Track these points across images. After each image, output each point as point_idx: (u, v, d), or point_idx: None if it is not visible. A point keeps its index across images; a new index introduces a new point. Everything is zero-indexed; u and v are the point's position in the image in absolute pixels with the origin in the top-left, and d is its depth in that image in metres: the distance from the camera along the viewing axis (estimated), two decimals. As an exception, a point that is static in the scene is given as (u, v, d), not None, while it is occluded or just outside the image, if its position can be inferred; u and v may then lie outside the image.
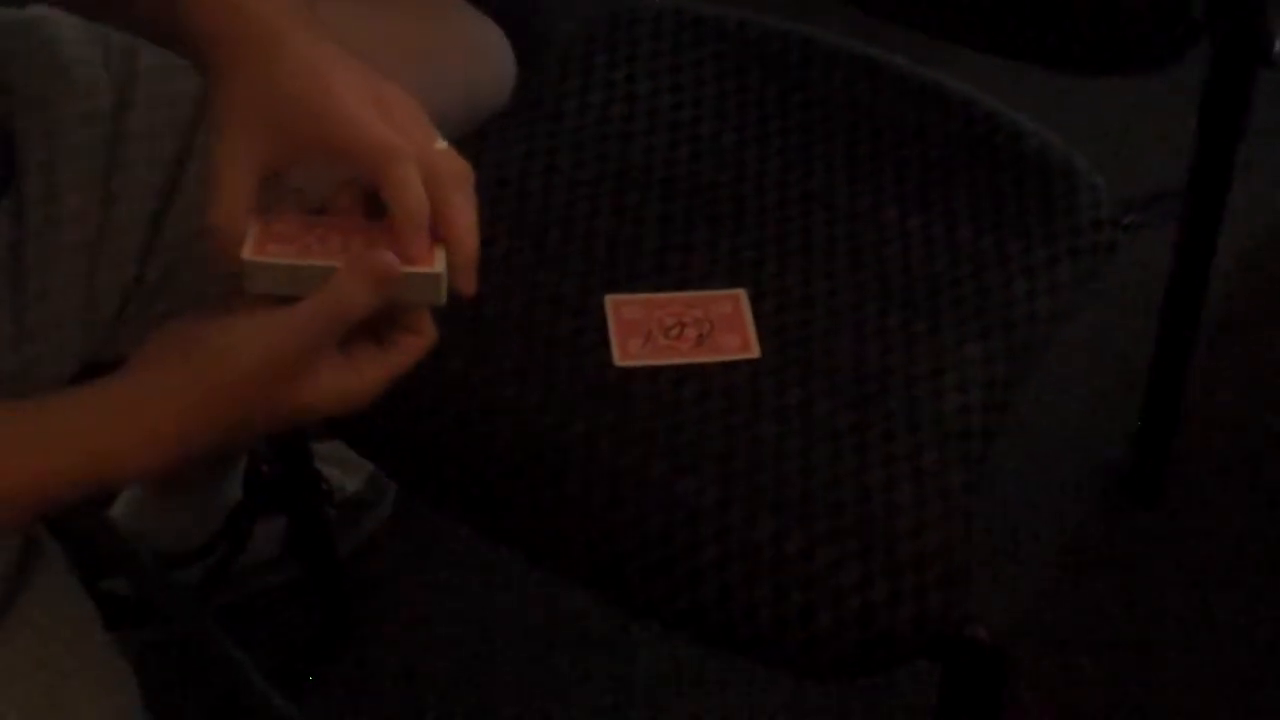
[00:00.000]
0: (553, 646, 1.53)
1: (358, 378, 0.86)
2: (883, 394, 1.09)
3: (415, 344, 0.87)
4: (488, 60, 1.31)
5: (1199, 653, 1.49)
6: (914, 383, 1.09)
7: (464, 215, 0.87)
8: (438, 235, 0.86)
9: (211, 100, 0.88)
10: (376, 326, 0.86)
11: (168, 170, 1.09)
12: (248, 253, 0.85)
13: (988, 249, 1.17)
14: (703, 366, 1.10)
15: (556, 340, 1.12)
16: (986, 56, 1.26)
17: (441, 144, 0.89)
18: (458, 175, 0.88)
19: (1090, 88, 1.81)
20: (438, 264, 0.86)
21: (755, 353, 1.12)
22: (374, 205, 0.88)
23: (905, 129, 1.26)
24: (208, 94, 0.89)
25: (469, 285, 0.87)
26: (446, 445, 1.11)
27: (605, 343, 1.11)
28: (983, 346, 1.11)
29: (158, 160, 1.09)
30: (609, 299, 1.15)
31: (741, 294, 1.16)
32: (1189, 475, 1.61)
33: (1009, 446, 1.11)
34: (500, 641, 1.53)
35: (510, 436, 1.08)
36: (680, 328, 1.13)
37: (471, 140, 1.22)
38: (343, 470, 1.55)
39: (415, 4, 1.29)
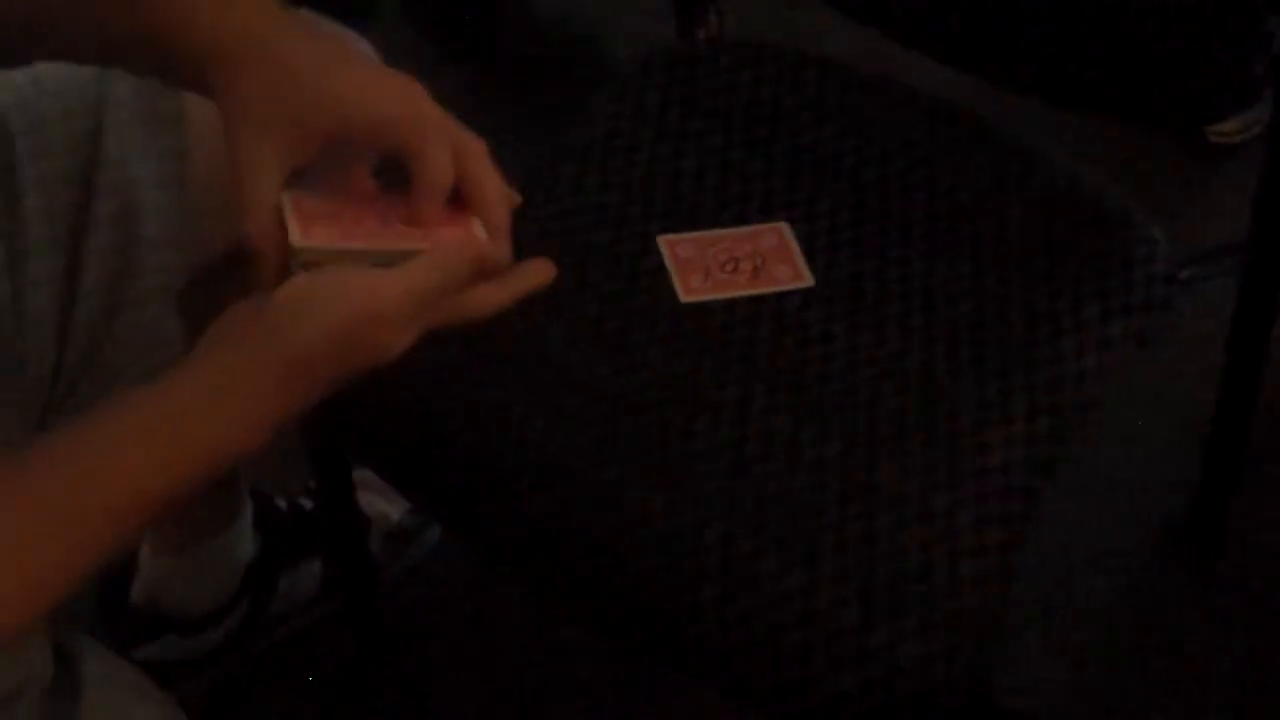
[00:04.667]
0: (598, 680, 1.51)
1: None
2: (923, 448, 1.06)
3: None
4: None
5: (1263, 714, 1.45)
6: (955, 437, 1.07)
7: (493, 182, 0.91)
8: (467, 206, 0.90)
9: (224, 116, 0.87)
10: None
11: (67, 250, 1.07)
12: (296, 239, 0.86)
13: (1038, 302, 1.14)
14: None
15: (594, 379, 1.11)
16: (1046, 106, 1.23)
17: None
18: (478, 147, 0.91)
19: (1153, 138, 1.79)
20: (478, 231, 0.90)
21: (808, 281, 1.16)
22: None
23: (961, 175, 1.24)
24: (220, 109, 0.88)
25: (506, 251, 0.90)
26: (484, 484, 1.10)
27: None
28: (1028, 402, 1.09)
29: (57, 241, 1.07)
30: (661, 239, 1.19)
31: (784, 226, 1.20)
32: (1251, 529, 1.57)
33: (1063, 502, 1.08)
34: (545, 674, 1.52)
35: (547, 481, 1.07)
36: (734, 262, 1.17)
37: (521, 178, 1.21)
38: (386, 499, 1.54)
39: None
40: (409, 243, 0.87)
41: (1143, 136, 1.72)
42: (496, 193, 0.91)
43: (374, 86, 0.90)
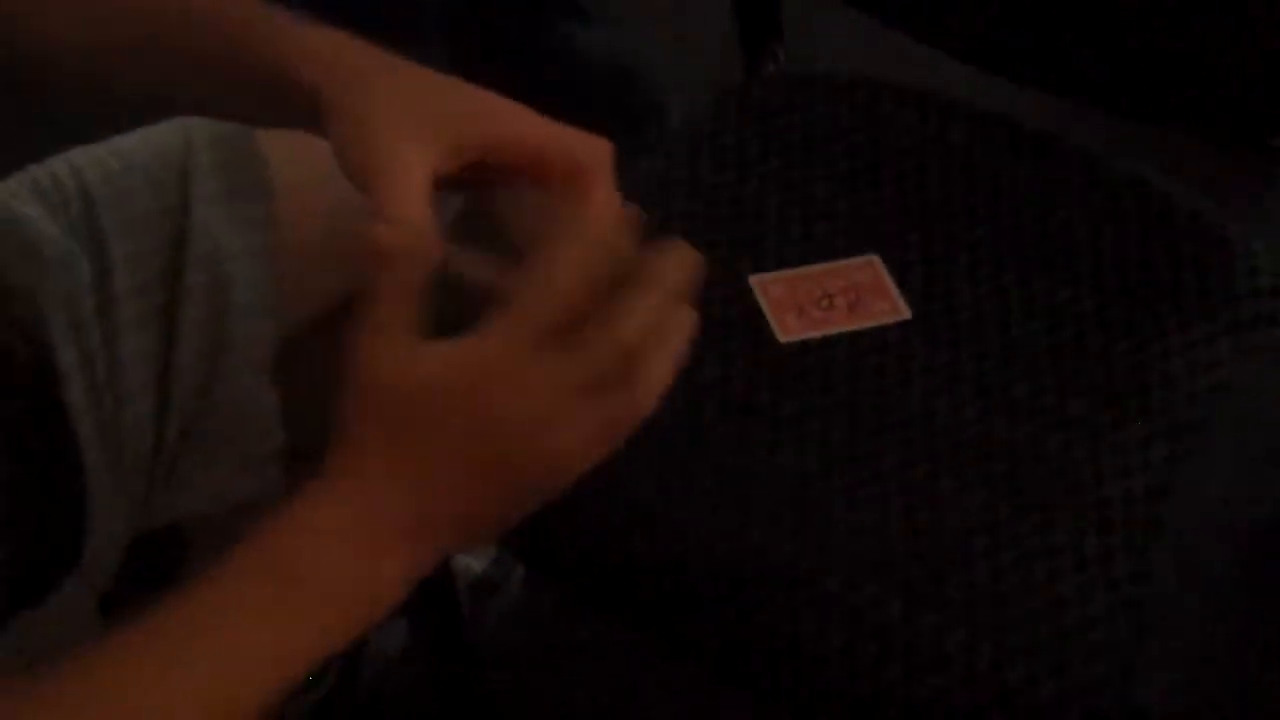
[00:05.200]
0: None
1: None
2: (1040, 481, 1.05)
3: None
4: None
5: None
6: (1072, 468, 1.05)
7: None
8: None
9: (353, 127, 0.79)
10: None
11: (161, 325, 1.05)
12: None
13: (1142, 324, 1.13)
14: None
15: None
16: (1136, 124, 1.22)
17: None
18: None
19: (1204, 145, 1.76)
20: None
21: (905, 314, 1.14)
22: None
23: (1050, 198, 1.22)
24: (343, 125, 0.79)
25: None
26: (570, 523, 1.08)
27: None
28: (1142, 428, 1.07)
29: (149, 317, 1.05)
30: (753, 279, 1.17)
31: (876, 259, 1.17)
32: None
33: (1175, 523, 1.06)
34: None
35: (655, 529, 1.05)
36: (829, 299, 1.14)
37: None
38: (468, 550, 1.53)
39: None
40: None
41: (1195, 143, 1.69)
42: None
43: (512, 106, 0.81)
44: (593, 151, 0.80)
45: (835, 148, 1.26)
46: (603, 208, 0.79)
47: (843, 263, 1.18)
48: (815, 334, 1.14)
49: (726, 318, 1.15)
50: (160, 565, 1.11)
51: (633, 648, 1.47)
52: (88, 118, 1.08)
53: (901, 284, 1.17)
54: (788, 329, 1.14)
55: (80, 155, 1.08)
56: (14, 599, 0.94)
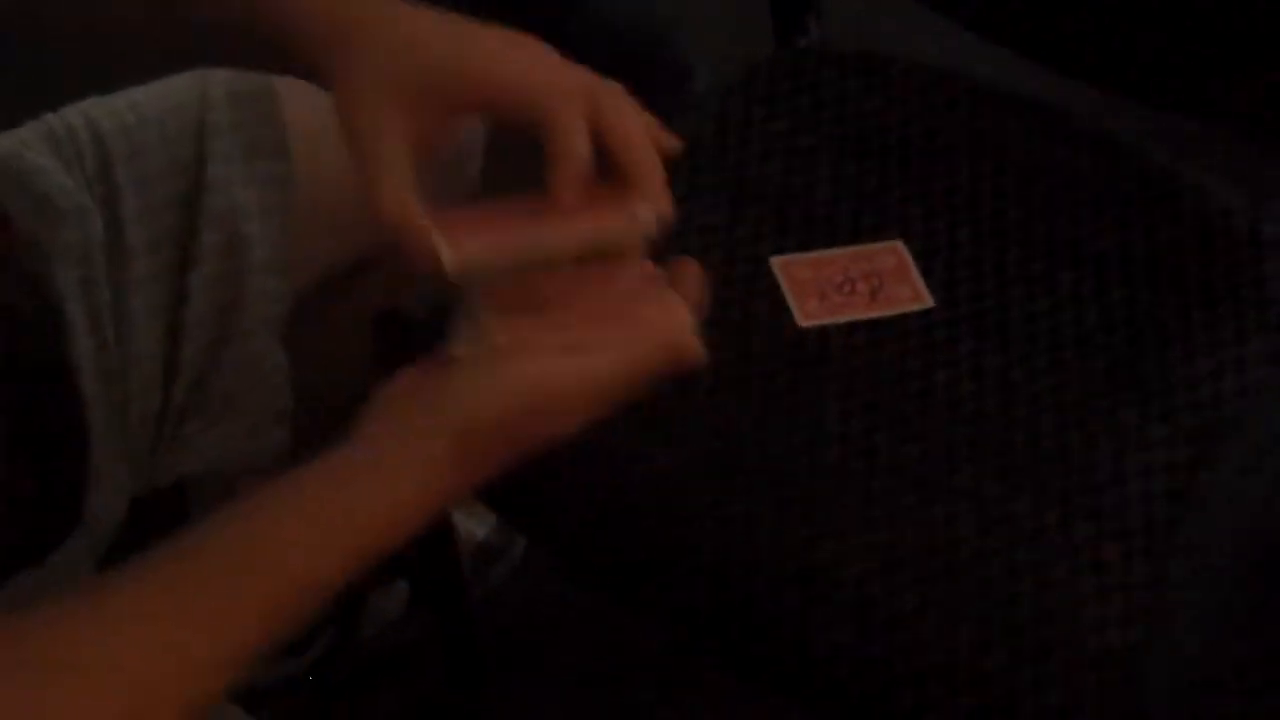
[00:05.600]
0: (686, 699, 1.48)
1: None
2: (1060, 478, 1.03)
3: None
4: None
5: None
6: (1093, 467, 1.03)
7: (637, 136, 0.81)
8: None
9: (339, 94, 0.81)
10: None
11: (172, 282, 1.04)
12: (450, 264, 0.78)
13: (1169, 321, 1.11)
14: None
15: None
16: (1172, 115, 1.19)
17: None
18: (613, 95, 0.81)
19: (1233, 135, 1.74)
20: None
21: (928, 302, 1.12)
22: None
23: (1079, 186, 1.20)
24: (335, 89, 0.81)
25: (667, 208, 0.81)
26: (581, 503, 1.07)
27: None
28: (1166, 428, 1.05)
29: (161, 274, 1.04)
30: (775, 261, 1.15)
31: (901, 245, 1.16)
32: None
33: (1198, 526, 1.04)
34: (632, 692, 1.49)
35: (673, 517, 1.03)
36: (850, 284, 1.13)
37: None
38: (470, 516, 1.51)
39: None
40: (566, 237, 0.80)
41: (1231, 136, 1.67)
42: (643, 150, 0.80)
43: (506, 46, 0.82)
44: (553, 98, 0.79)
45: (864, 128, 1.24)
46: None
47: (866, 247, 1.16)
48: (836, 319, 1.12)
49: (746, 299, 1.13)
50: (161, 526, 1.09)
51: (632, 619, 1.47)
52: (101, 67, 1.06)
53: (925, 271, 1.15)
54: (808, 313, 1.12)
55: (95, 106, 1.06)
56: (13, 557, 0.93)
